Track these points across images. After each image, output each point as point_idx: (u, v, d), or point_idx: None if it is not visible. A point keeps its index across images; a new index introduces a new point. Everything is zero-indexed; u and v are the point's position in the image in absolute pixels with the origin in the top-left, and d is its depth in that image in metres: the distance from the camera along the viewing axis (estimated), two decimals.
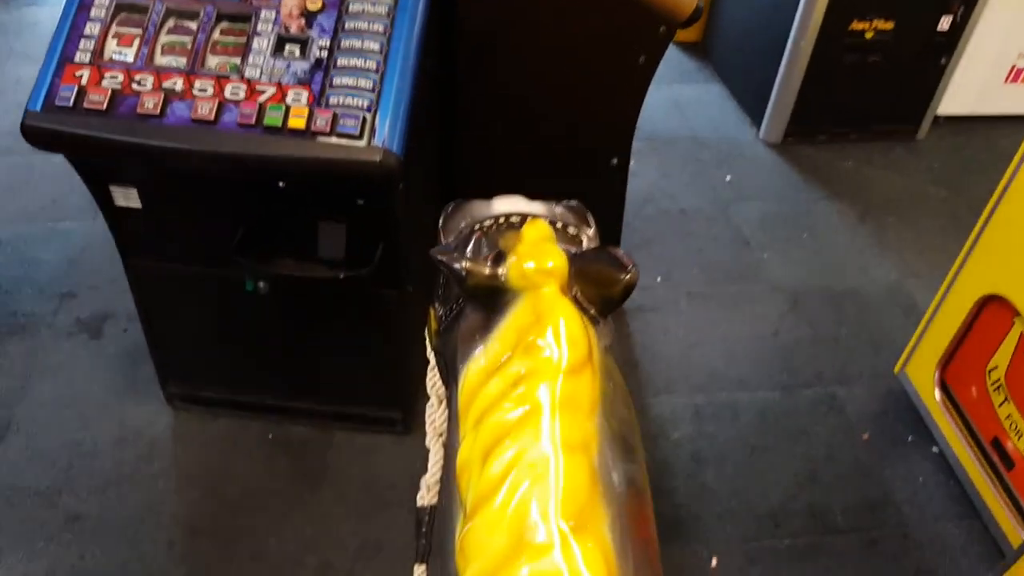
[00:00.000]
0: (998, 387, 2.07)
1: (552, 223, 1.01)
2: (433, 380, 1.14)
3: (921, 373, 2.33)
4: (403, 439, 2.26)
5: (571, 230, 1.02)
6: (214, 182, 1.74)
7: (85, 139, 1.56)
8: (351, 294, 1.92)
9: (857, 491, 2.23)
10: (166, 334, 2.15)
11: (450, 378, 1.02)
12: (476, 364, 0.90)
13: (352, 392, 2.21)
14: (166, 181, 1.76)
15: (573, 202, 1.07)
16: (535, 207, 1.05)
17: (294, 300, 1.97)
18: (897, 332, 2.56)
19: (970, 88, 3.39)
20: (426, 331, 1.13)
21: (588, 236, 1.03)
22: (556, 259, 0.91)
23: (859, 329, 2.66)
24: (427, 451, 1.14)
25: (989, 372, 2.10)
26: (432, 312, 1.10)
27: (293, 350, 2.12)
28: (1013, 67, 3.35)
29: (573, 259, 0.92)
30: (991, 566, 2.05)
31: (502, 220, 1.02)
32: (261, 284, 1.91)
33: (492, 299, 0.91)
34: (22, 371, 2.40)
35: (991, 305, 2.06)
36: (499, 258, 0.92)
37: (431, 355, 1.14)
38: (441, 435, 1.13)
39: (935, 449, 2.31)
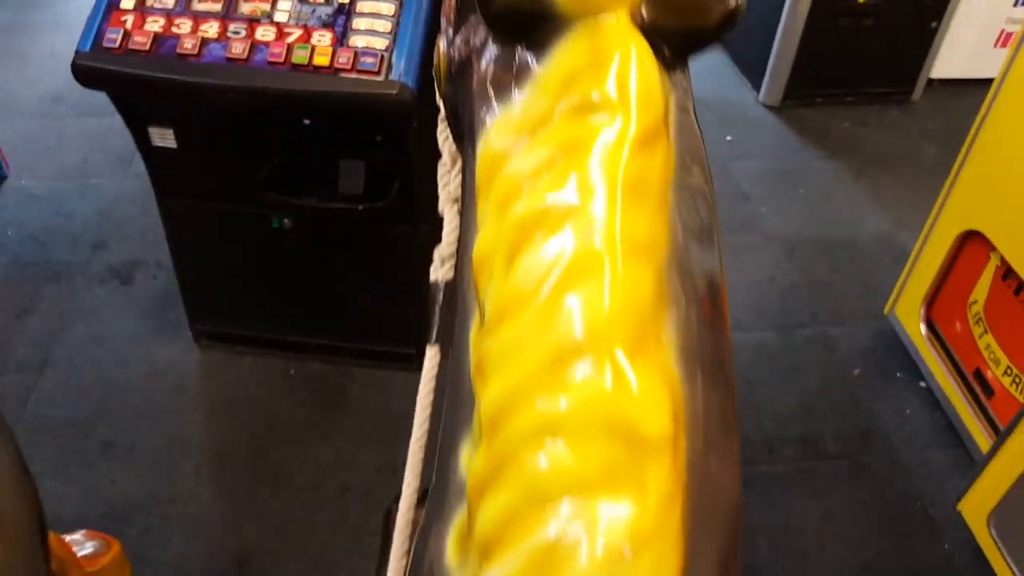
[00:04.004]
0: (978, 320, 2.20)
1: None
2: (445, 134, 0.93)
3: (909, 312, 2.46)
4: (419, 375, 2.39)
5: None
6: (245, 122, 1.88)
7: (130, 77, 1.70)
8: (369, 231, 2.06)
9: (848, 422, 2.36)
10: (196, 274, 2.29)
11: (466, 134, 0.78)
12: (503, 122, 0.67)
13: (370, 329, 2.35)
14: (201, 120, 1.90)
15: None
16: None
17: (317, 236, 2.10)
18: (888, 277, 2.67)
19: (961, 52, 3.51)
20: (433, 72, 0.87)
21: None
22: None
23: (852, 275, 2.79)
24: (440, 218, 0.97)
25: (970, 306, 2.23)
26: (439, 47, 0.85)
27: (315, 288, 2.26)
28: (1002, 31, 3.46)
29: None
30: None
31: None
32: (286, 221, 2.05)
33: (528, 28, 0.66)
34: (58, 314, 2.55)
35: (969, 241, 2.19)
36: None
37: (440, 103, 0.91)
38: (456, 201, 0.93)
39: (922, 384, 2.44)
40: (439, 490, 0.70)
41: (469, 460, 0.64)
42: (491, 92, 0.70)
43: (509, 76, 0.68)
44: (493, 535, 0.57)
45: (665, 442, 0.55)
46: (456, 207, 0.93)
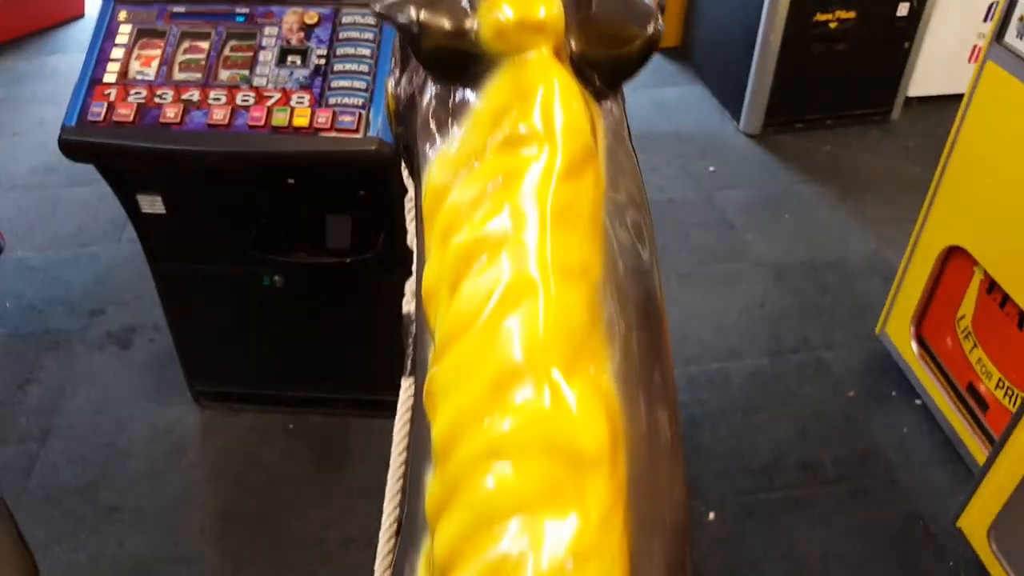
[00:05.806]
0: (967, 334, 2.22)
1: None
2: (406, 171, 0.94)
3: (899, 331, 2.48)
4: None
5: None
6: (230, 184, 1.92)
7: (115, 148, 1.75)
8: (358, 281, 2.09)
9: (846, 444, 2.37)
10: (191, 335, 2.31)
11: (414, 170, 0.80)
12: (443, 157, 0.70)
13: (365, 379, 2.36)
14: (187, 186, 1.94)
15: None
16: None
17: (307, 291, 2.14)
18: (878, 297, 2.70)
19: (937, 69, 3.57)
20: (384, 111, 0.91)
21: None
22: (548, 5, 0.66)
23: (841, 297, 2.81)
24: (410, 252, 0.95)
25: (958, 321, 2.25)
26: (388, 87, 0.87)
27: (309, 341, 2.28)
28: (975, 47, 3.51)
29: (571, 5, 0.68)
30: None
31: None
32: (277, 278, 2.08)
33: (460, 68, 0.68)
34: (58, 382, 2.57)
35: (953, 257, 2.21)
36: (468, 6, 0.67)
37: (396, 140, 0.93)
38: None
39: (918, 401, 2.45)
40: (410, 518, 0.70)
41: (428, 485, 0.64)
42: (432, 128, 0.72)
43: (447, 113, 0.70)
44: (448, 559, 0.58)
45: (602, 459, 0.56)
46: None
